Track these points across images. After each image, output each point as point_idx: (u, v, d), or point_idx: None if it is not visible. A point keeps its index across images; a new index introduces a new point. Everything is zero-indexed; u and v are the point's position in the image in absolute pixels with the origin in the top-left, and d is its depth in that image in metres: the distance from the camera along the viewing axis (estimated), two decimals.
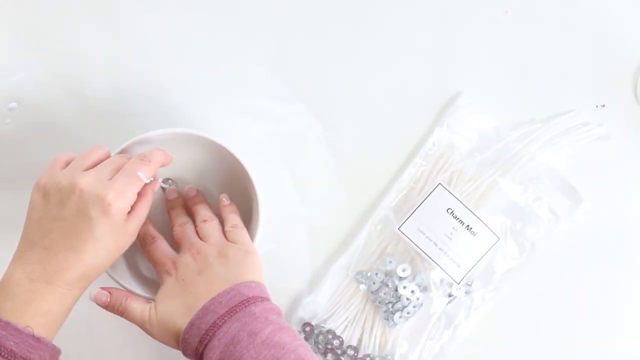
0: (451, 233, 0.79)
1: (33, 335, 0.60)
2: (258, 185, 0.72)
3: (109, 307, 0.68)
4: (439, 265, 0.79)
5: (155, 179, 0.68)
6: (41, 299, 0.61)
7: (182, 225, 0.74)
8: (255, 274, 0.68)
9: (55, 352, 0.62)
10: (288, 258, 0.82)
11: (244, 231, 0.72)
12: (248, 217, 0.76)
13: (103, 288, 0.68)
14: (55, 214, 0.62)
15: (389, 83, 0.84)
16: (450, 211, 0.79)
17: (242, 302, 0.64)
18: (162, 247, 0.72)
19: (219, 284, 0.66)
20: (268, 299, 0.66)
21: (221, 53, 0.83)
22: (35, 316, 0.60)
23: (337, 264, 0.82)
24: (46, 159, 0.69)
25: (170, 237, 0.75)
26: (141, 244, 0.72)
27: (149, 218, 0.72)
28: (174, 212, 0.76)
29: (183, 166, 0.77)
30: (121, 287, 0.71)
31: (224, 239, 0.71)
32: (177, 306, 0.65)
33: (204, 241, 0.71)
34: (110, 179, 0.63)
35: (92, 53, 0.82)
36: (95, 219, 0.61)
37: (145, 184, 0.66)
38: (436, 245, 0.79)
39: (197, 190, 0.77)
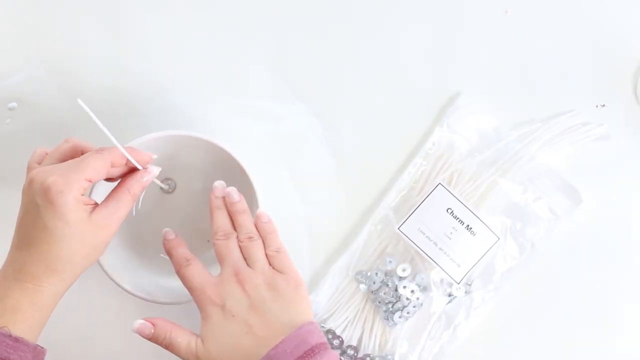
0: (451, 233, 0.78)
1: (10, 335, 0.58)
2: (257, 186, 0.71)
3: (152, 339, 0.64)
4: (438, 265, 0.78)
5: (146, 170, 0.65)
6: (7, 296, 0.59)
7: (227, 237, 0.68)
8: (309, 312, 0.65)
9: (38, 352, 0.60)
10: None
11: (289, 258, 0.68)
12: None
13: (146, 319, 0.64)
14: (21, 211, 0.61)
15: (388, 83, 0.83)
16: (450, 211, 0.78)
17: (307, 352, 0.60)
18: (198, 271, 0.67)
19: (277, 325, 0.62)
20: (327, 345, 0.63)
21: (221, 53, 0.82)
22: (4, 314, 0.58)
23: (337, 264, 0.80)
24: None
25: (185, 236, 0.73)
26: (175, 267, 0.68)
27: (182, 240, 0.70)
28: (218, 214, 0.70)
29: (183, 167, 0.76)
30: (136, 297, 0.71)
31: (269, 266, 0.67)
32: (232, 347, 0.62)
33: (249, 265, 0.67)
34: None
35: (92, 53, 0.81)
36: (42, 208, 0.59)
37: (125, 180, 0.64)
38: (436, 245, 0.78)
39: (240, 195, 0.71)
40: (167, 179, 0.77)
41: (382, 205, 0.81)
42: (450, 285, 0.79)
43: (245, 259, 0.67)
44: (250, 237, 0.68)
